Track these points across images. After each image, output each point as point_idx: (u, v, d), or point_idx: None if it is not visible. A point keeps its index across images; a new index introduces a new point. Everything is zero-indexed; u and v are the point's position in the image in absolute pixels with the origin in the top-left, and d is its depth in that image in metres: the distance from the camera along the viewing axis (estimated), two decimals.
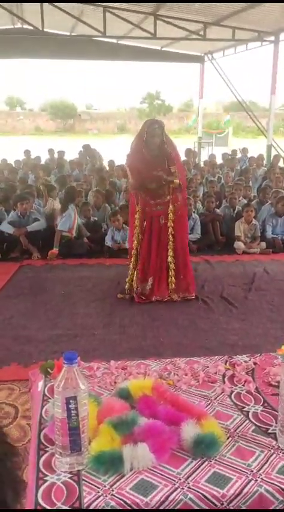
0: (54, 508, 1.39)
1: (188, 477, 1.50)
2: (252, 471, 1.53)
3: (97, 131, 40.05)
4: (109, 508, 1.40)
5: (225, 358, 2.27)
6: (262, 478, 1.50)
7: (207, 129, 22.49)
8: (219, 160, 12.72)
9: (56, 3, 11.78)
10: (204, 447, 1.58)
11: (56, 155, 13.06)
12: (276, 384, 1.99)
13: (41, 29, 12.40)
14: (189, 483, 1.48)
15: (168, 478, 1.50)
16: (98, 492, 1.44)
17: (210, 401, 1.91)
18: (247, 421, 1.79)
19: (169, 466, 1.55)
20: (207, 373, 2.11)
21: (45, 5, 11.77)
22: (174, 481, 1.49)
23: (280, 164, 12.08)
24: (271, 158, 13.18)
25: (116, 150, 14.65)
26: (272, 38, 13.80)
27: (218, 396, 1.95)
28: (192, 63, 18.72)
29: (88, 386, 1.63)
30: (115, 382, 2.04)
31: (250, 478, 1.50)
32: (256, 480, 1.49)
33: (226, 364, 2.21)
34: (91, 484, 1.48)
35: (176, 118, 39.29)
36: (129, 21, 12.76)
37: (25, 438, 2.73)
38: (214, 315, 4.77)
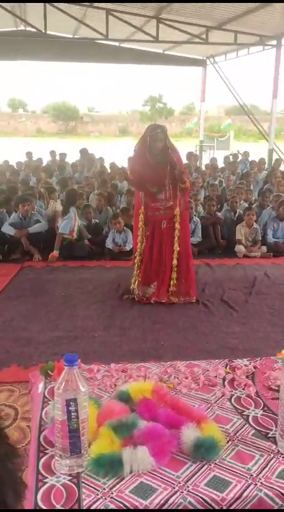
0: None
1: (188, 480, 1.50)
2: (252, 475, 1.53)
3: (99, 134, 40.11)
4: None
5: (225, 362, 2.27)
6: (261, 482, 1.50)
7: (208, 133, 22.54)
8: (220, 164, 12.74)
9: (59, 6, 11.81)
10: (203, 451, 1.58)
11: (57, 157, 13.07)
12: (276, 388, 1.99)
13: (43, 31, 12.43)
14: (188, 486, 1.48)
15: (168, 481, 1.50)
16: (97, 495, 1.44)
17: (210, 404, 1.91)
18: (247, 425, 1.78)
19: (169, 469, 1.55)
20: (207, 376, 2.11)
21: (48, 7, 11.81)
22: (174, 484, 1.48)
23: (281, 168, 12.08)
24: (273, 162, 13.19)
25: (118, 153, 14.67)
26: (274, 42, 13.84)
27: (218, 400, 1.95)
28: (194, 67, 18.76)
29: (89, 389, 1.63)
30: (115, 385, 2.04)
31: (249, 482, 1.50)
32: (256, 484, 1.49)
33: (226, 367, 2.21)
34: (91, 486, 1.48)
35: (178, 121, 39.34)
36: (132, 25, 12.79)
37: (25, 440, 2.72)
38: (214, 318, 4.77)
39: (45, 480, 1.50)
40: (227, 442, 1.68)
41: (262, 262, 6.76)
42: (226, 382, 2.07)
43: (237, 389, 2.03)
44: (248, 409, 1.89)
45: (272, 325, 4.64)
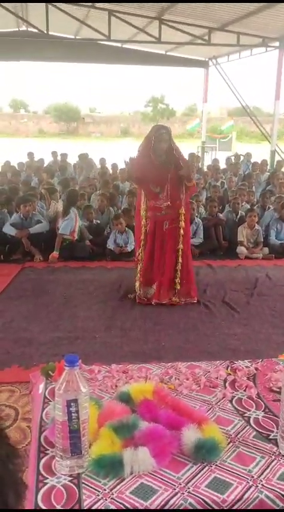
0: None
1: (188, 482, 1.50)
2: (253, 477, 1.52)
3: (101, 134, 40.16)
4: None
5: (227, 363, 2.26)
6: (262, 484, 1.49)
7: (210, 134, 22.53)
8: (222, 165, 12.73)
9: (61, 7, 11.83)
10: (204, 452, 1.57)
11: (59, 158, 13.08)
12: (278, 389, 1.99)
13: (45, 32, 12.44)
14: (189, 488, 1.47)
15: (168, 482, 1.49)
16: (98, 495, 1.44)
17: (211, 406, 1.91)
18: (248, 427, 1.78)
19: (170, 470, 1.54)
20: (208, 377, 2.11)
21: (50, 8, 11.82)
22: (174, 485, 1.48)
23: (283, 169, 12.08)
24: (275, 163, 13.19)
25: (119, 154, 14.67)
26: (276, 44, 13.83)
27: (219, 401, 1.94)
28: (196, 68, 18.77)
29: (89, 390, 1.63)
30: (116, 386, 2.04)
31: (250, 483, 1.50)
32: (257, 486, 1.49)
33: (227, 369, 2.20)
34: (91, 487, 1.47)
35: (179, 122, 39.36)
36: (134, 26, 12.79)
37: (25, 440, 2.72)
38: (216, 320, 4.77)
39: (45, 481, 1.50)
40: (228, 443, 1.67)
41: (264, 263, 6.76)
42: (227, 384, 2.07)
43: (238, 390, 2.02)
44: (249, 410, 1.88)
45: (274, 326, 4.64)
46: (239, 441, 1.69)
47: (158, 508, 1.41)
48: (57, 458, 1.54)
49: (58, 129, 41.32)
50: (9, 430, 2.84)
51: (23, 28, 15.46)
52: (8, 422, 2.94)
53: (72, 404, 1.48)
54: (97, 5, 12.23)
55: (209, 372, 2.16)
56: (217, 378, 2.11)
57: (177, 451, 1.60)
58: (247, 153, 13.73)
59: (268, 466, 1.58)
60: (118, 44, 16.01)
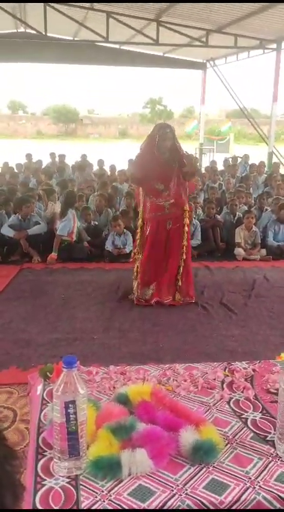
0: None
1: (186, 483, 1.50)
2: (250, 478, 1.53)
3: (99, 136, 40.17)
4: None
5: (224, 365, 2.27)
6: (260, 486, 1.50)
7: (208, 136, 22.55)
8: (220, 167, 12.74)
9: (59, 8, 11.84)
10: (202, 453, 1.57)
11: (57, 159, 13.07)
12: (275, 391, 1.99)
13: (44, 33, 12.45)
14: (186, 489, 1.47)
15: (166, 484, 1.50)
16: (96, 497, 1.44)
17: (208, 407, 1.91)
18: (246, 428, 1.78)
19: (167, 472, 1.54)
20: (206, 379, 2.11)
21: (49, 9, 11.83)
22: (172, 487, 1.48)
23: (281, 171, 12.10)
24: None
25: (118, 155, 14.68)
26: (274, 46, 13.87)
27: (217, 403, 1.95)
28: (194, 70, 18.79)
29: (87, 391, 1.63)
30: (114, 387, 2.04)
31: (248, 485, 1.50)
32: (254, 487, 1.49)
33: (225, 370, 2.21)
34: (89, 489, 1.47)
35: (177, 124, 39.36)
36: (132, 27, 12.82)
37: (23, 442, 2.72)
38: (213, 321, 4.77)
39: (43, 482, 1.50)
40: (226, 445, 1.67)
41: (262, 265, 6.77)
42: (224, 385, 2.07)
43: (236, 392, 2.03)
44: (246, 412, 1.89)
45: (272, 328, 4.64)
46: (236, 442, 1.70)
47: (156, 509, 1.41)
48: (55, 459, 1.55)
49: (56, 131, 41.33)
50: (7, 432, 2.84)
51: (21, 29, 15.47)
52: (6, 424, 2.93)
53: (70, 405, 1.48)
54: (96, 6, 12.25)
55: (207, 373, 2.17)
56: (214, 379, 2.12)
57: (174, 453, 1.61)
58: (244, 155, 13.75)
59: (266, 468, 1.58)
60: (116, 46, 16.04)
